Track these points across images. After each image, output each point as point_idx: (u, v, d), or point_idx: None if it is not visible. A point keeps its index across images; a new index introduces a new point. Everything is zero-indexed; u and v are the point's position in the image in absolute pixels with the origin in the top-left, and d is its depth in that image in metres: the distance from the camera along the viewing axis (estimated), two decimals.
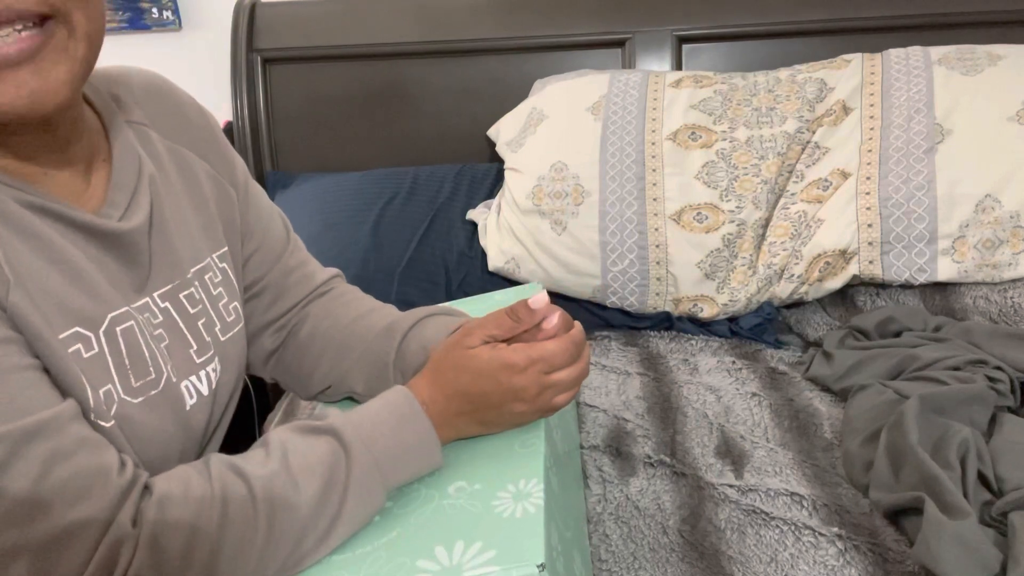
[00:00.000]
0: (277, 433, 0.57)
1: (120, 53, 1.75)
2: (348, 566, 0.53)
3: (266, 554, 0.51)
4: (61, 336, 0.52)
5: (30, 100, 0.49)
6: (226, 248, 0.71)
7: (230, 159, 0.75)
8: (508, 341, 0.64)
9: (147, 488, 0.51)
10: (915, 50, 1.31)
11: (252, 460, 0.54)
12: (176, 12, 1.72)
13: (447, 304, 0.82)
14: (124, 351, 0.57)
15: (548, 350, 0.62)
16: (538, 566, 0.48)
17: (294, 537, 0.52)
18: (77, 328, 0.53)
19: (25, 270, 0.51)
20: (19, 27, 0.48)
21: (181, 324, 0.64)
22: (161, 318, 0.62)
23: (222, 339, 0.67)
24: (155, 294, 0.62)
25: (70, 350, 0.52)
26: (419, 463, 0.59)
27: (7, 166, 0.54)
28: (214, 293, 0.68)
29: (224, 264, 0.70)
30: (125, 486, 0.50)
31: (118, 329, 0.56)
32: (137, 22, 1.72)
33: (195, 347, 0.64)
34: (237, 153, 0.77)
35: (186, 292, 0.64)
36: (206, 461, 0.54)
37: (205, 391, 0.64)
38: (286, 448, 0.55)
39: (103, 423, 0.54)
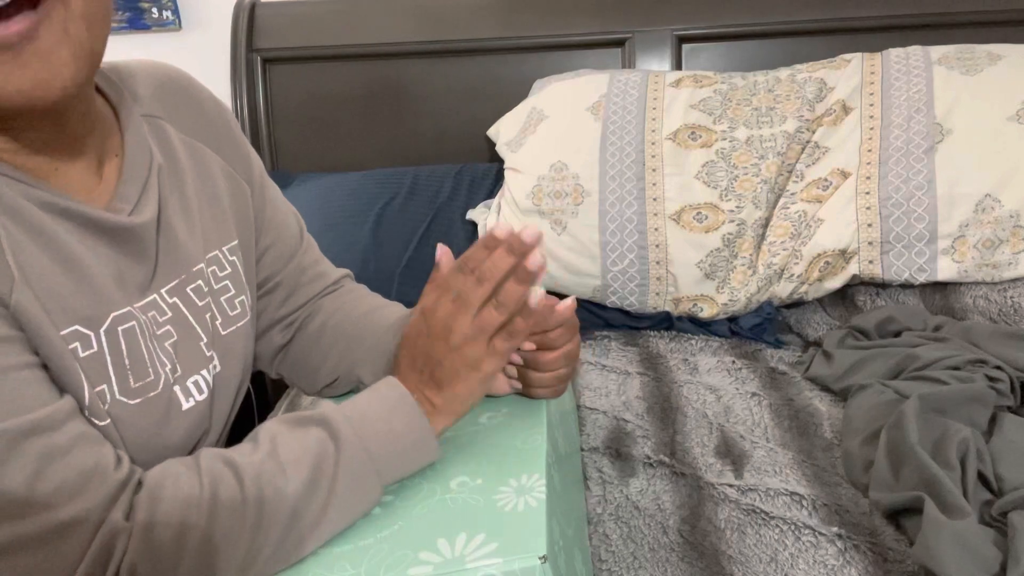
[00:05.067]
0: (267, 425, 0.57)
1: (120, 53, 1.74)
2: (349, 558, 0.53)
3: (256, 541, 0.52)
4: (62, 333, 0.52)
5: (34, 83, 0.48)
6: (236, 241, 0.71)
7: (246, 155, 0.75)
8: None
9: (140, 483, 0.52)
10: (915, 50, 1.31)
11: (241, 451, 0.55)
12: (176, 12, 1.72)
13: None
14: (125, 351, 0.57)
15: (453, 279, 0.58)
16: (540, 558, 0.49)
17: (283, 524, 0.52)
18: (77, 326, 0.54)
19: (30, 266, 0.52)
20: (12, 9, 0.47)
21: (191, 318, 0.64)
22: (170, 314, 0.62)
23: (222, 333, 0.67)
24: (162, 290, 0.62)
25: (69, 347, 0.53)
26: (414, 451, 0.59)
27: (19, 161, 0.54)
28: (217, 287, 0.68)
29: (234, 257, 0.70)
30: (121, 482, 0.50)
31: (120, 329, 0.57)
32: (137, 22, 1.72)
33: (205, 340, 0.65)
34: (254, 150, 0.77)
35: (193, 285, 0.64)
36: (196, 455, 0.55)
37: (205, 389, 0.64)
38: (275, 439, 0.55)
39: (98, 421, 0.54)
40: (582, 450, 0.94)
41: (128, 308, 0.58)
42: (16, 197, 0.52)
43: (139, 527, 0.49)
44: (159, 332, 0.61)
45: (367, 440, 0.56)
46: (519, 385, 0.70)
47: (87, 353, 0.54)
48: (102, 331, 0.55)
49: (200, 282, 0.65)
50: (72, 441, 0.49)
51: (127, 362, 0.57)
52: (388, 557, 0.52)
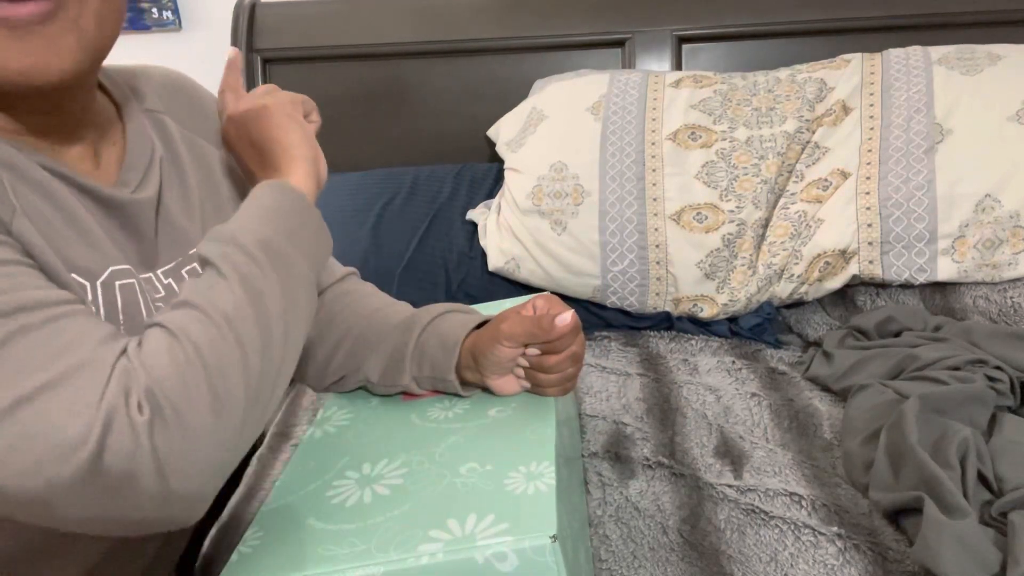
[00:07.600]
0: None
1: (120, 53, 1.74)
2: (359, 534, 0.53)
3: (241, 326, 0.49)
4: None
5: (34, 64, 0.49)
6: None
7: None
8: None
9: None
10: (915, 50, 1.31)
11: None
12: (176, 12, 1.72)
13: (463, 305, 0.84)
14: (120, 305, 0.57)
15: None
16: (551, 537, 0.49)
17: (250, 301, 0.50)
18: (74, 275, 0.54)
19: (31, 209, 0.52)
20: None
21: None
22: (163, 293, 0.62)
23: None
24: (159, 271, 0.62)
25: None
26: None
27: (18, 140, 0.55)
28: None
29: None
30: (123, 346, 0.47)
31: (117, 283, 0.57)
32: (137, 22, 1.72)
33: None
34: None
35: (189, 267, 0.65)
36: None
37: None
38: (181, 290, 0.52)
39: None
40: (582, 456, 0.94)
41: (128, 266, 0.58)
42: (16, 154, 0.53)
43: (138, 360, 0.46)
44: (154, 308, 0.61)
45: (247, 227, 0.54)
46: (528, 385, 0.71)
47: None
48: (99, 283, 0.55)
49: (196, 264, 0.66)
50: (84, 312, 0.47)
51: (121, 317, 0.57)
52: (398, 535, 0.52)
